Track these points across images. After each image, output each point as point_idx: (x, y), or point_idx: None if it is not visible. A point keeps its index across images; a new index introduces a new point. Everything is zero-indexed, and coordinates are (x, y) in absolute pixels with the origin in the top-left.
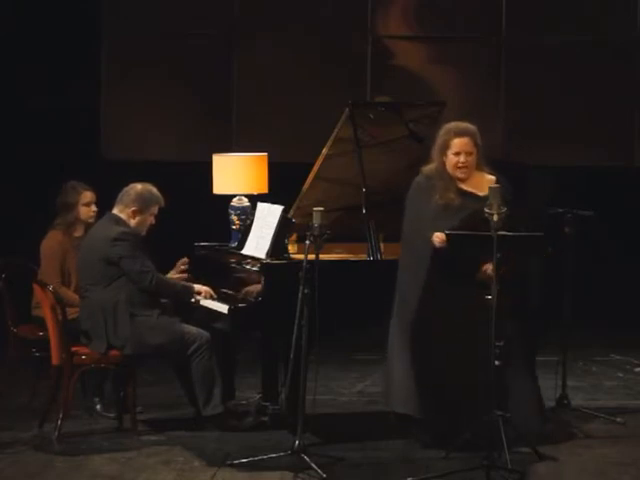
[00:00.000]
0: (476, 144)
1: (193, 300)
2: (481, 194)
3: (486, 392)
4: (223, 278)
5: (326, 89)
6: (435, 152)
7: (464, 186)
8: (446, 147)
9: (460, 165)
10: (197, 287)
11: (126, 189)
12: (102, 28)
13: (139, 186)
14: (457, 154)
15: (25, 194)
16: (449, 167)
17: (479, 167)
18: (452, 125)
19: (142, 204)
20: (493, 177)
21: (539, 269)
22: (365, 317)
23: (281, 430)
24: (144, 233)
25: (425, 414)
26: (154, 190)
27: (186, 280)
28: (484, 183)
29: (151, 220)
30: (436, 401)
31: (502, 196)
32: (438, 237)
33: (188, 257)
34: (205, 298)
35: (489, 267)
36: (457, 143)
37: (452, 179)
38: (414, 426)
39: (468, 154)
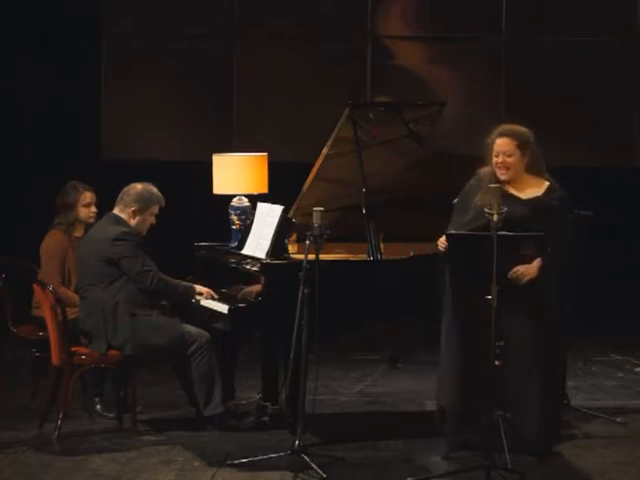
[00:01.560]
0: (520, 146)
1: (193, 300)
2: (524, 197)
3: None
4: (223, 278)
5: (326, 89)
6: (486, 154)
7: (511, 189)
8: (491, 149)
9: (499, 166)
10: (198, 288)
11: (126, 189)
12: (102, 28)
13: (139, 186)
14: (497, 155)
15: (25, 194)
16: (494, 169)
17: (534, 171)
18: (499, 127)
19: (142, 204)
20: (547, 182)
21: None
22: (365, 317)
23: (281, 430)
24: (144, 233)
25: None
26: (154, 190)
27: (187, 281)
28: (535, 187)
29: (151, 220)
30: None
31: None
32: (441, 242)
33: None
34: (206, 298)
35: (519, 269)
36: (497, 143)
37: (498, 182)
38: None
39: (507, 155)
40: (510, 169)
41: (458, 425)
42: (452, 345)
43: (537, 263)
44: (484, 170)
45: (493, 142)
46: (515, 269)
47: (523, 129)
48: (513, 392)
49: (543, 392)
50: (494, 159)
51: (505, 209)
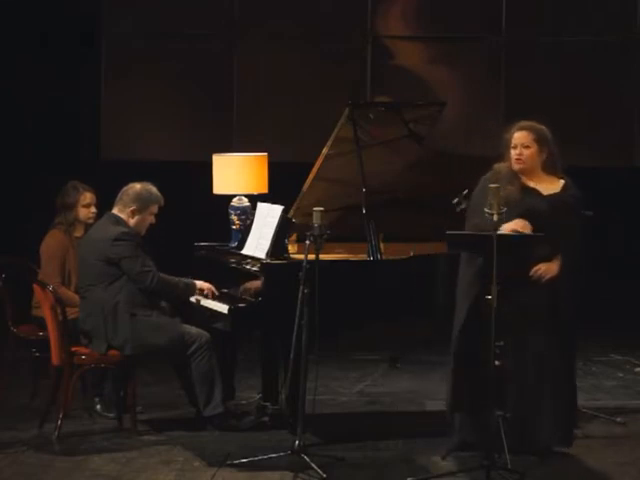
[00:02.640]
0: (537, 140)
1: (194, 300)
2: (544, 193)
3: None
4: (223, 278)
5: (326, 89)
6: (504, 150)
7: (530, 183)
8: (509, 143)
9: (516, 157)
10: (199, 283)
11: (125, 189)
12: (102, 28)
13: (138, 185)
14: (515, 147)
15: (25, 194)
16: (512, 161)
17: (550, 170)
18: (518, 122)
19: (141, 203)
20: (563, 181)
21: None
22: (365, 317)
23: (281, 430)
24: (144, 232)
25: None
26: (153, 189)
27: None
28: (552, 184)
29: (151, 219)
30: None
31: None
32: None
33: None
34: (207, 294)
35: (541, 267)
36: (515, 136)
37: (517, 175)
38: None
39: (525, 147)
40: (525, 161)
41: (463, 424)
42: (464, 344)
43: (557, 261)
44: (500, 165)
45: (511, 136)
46: (537, 267)
47: (542, 126)
48: (527, 393)
49: (557, 393)
50: (511, 151)
51: (505, 209)
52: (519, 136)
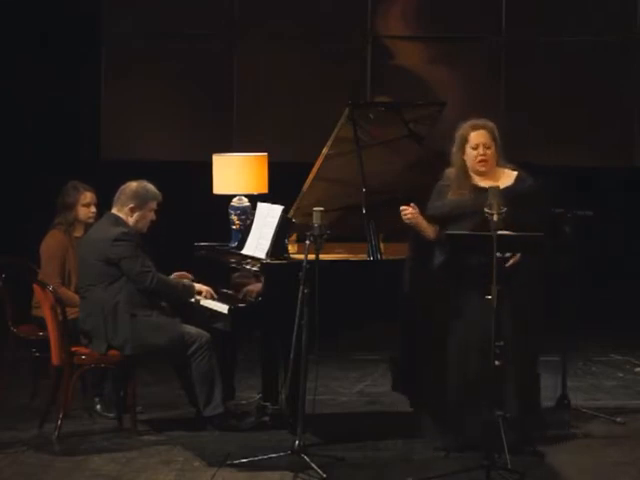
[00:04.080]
0: (494, 138)
1: (193, 300)
2: None
3: (490, 391)
4: (223, 278)
5: (326, 89)
6: (454, 150)
7: (481, 182)
8: (464, 142)
9: (480, 159)
10: (198, 287)
11: (122, 188)
12: (102, 28)
13: (134, 184)
14: (475, 147)
15: (25, 194)
16: (469, 162)
17: (500, 164)
18: (469, 121)
19: (139, 200)
20: (515, 172)
21: (539, 269)
22: (365, 317)
23: (281, 430)
24: (145, 230)
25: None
26: (149, 186)
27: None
28: (505, 178)
29: (151, 216)
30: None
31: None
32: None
33: (188, 271)
34: (206, 298)
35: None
36: (474, 136)
37: (468, 176)
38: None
39: (486, 147)
40: (489, 161)
41: (464, 424)
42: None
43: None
44: (449, 170)
45: (467, 135)
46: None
47: (492, 123)
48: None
49: (519, 392)
50: (472, 152)
51: (505, 209)
52: (479, 136)
